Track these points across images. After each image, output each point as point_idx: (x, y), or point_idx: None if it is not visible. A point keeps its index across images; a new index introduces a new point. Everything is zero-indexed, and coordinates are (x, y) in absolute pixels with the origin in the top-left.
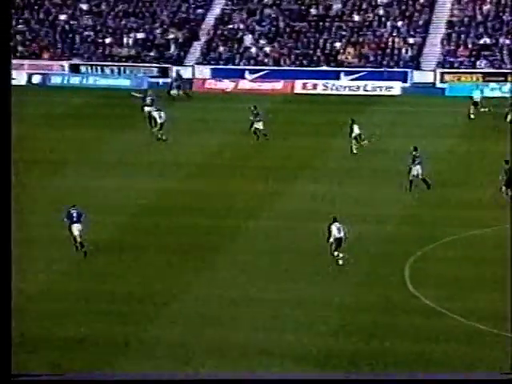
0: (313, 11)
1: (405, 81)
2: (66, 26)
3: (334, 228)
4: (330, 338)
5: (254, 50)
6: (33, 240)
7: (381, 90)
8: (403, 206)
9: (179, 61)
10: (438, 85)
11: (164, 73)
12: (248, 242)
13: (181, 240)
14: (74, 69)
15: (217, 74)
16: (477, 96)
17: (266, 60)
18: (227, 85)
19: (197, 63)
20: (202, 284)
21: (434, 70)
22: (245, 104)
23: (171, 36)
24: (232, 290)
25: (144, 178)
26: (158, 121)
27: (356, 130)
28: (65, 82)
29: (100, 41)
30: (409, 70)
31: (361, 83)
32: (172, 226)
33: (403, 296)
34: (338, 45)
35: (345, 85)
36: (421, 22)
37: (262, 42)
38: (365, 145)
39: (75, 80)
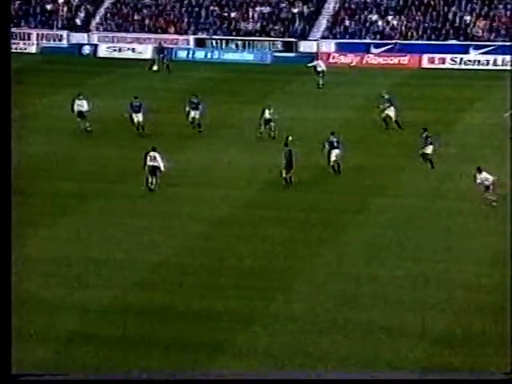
0: None
1: None
2: (192, 1)
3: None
4: (453, 317)
5: (380, 23)
6: (156, 212)
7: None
8: None
9: (304, 35)
10: None
11: (289, 47)
12: (372, 220)
13: (303, 216)
14: (199, 43)
15: (342, 49)
16: None
17: (392, 34)
18: (352, 59)
19: (322, 37)
20: (324, 261)
21: None
22: (370, 79)
23: (296, 10)
24: (355, 268)
25: (267, 154)
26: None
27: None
28: (190, 56)
29: (225, 15)
30: None
31: (491, 57)
32: (295, 201)
33: None
34: (468, 18)
35: (474, 59)
36: None
37: (388, 15)
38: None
39: (200, 54)
